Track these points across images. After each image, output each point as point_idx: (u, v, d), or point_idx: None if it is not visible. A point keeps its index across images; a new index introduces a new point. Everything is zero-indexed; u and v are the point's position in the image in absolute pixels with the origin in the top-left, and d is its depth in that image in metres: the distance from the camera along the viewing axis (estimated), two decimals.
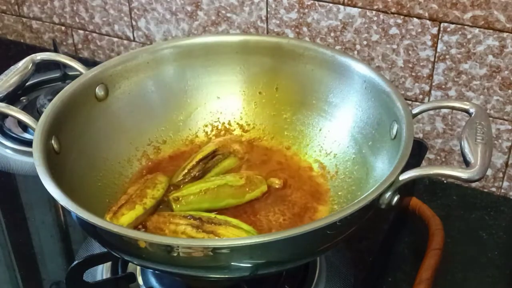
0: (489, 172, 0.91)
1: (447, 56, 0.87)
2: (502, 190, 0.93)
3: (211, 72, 0.78)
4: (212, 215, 0.65)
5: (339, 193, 0.71)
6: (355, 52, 0.93)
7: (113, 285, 0.72)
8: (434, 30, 0.87)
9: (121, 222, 0.64)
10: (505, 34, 0.83)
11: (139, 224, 0.66)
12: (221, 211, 0.69)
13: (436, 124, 0.92)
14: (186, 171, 0.72)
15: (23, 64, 0.75)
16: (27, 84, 0.76)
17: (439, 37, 0.87)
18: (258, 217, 0.69)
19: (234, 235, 0.62)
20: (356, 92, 0.72)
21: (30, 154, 0.62)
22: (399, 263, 0.81)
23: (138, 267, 0.72)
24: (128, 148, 0.75)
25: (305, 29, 0.95)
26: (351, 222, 0.56)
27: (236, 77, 0.79)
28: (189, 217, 0.64)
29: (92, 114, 0.71)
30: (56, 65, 1.05)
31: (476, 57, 0.86)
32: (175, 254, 0.53)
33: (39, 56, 0.76)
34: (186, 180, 0.72)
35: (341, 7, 0.91)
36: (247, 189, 0.70)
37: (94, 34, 1.16)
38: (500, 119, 0.88)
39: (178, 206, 0.68)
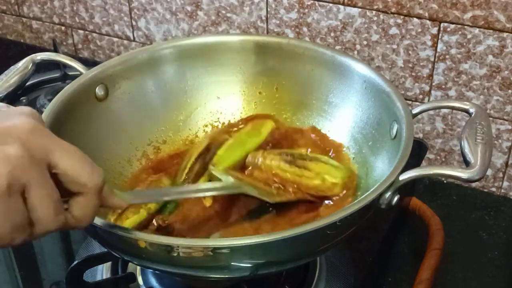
0: (489, 172, 0.92)
1: (447, 56, 0.87)
2: (502, 190, 0.93)
3: (211, 72, 0.78)
4: (304, 151, 0.72)
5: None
6: (355, 52, 0.93)
7: (113, 285, 0.72)
8: (434, 30, 0.87)
9: (125, 225, 0.64)
10: (505, 34, 0.83)
11: (142, 227, 0.66)
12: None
13: (436, 124, 0.92)
14: (187, 170, 0.72)
15: (23, 64, 0.75)
16: (27, 84, 0.76)
17: (439, 37, 0.87)
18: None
19: (325, 170, 0.67)
20: (356, 92, 0.72)
21: None
22: (399, 263, 0.81)
23: (138, 267, 0.72)
24: (128, 148, 0.75)
25: (305, 29, 0.95)
26: (351, 222, 0.56)
27: (236, 77, 0.79)
28: (282, 153, 0.69)
29: (92, 114, 0.71)
30: (56, 65, 1.05)
31: (476, 57, 0.86)
32: (175, 254, 0.53)
33: (39, 56, 0.76)
34: (190, 178, 0.72)
35: (341, 7, 0.91)
36: (257, 128, 0.75)
37: (94, 34, 1.16)
38: (500, 119, 0.88)
39: (219, 167, 0.70)
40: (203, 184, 0.69)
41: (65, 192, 0.47)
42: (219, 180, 0.68)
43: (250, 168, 0.71)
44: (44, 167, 0.45)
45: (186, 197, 0.68)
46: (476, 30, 0.84)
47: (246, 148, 0.73)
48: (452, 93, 0.90)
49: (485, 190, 0.93)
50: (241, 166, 0.72)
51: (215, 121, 0.80)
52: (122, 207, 0.57)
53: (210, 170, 0.70)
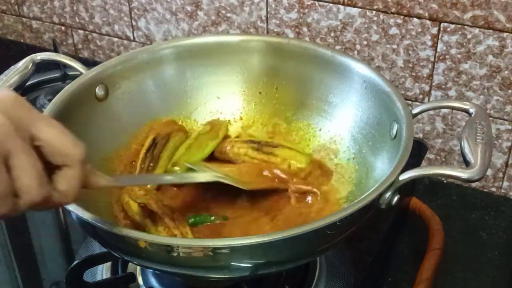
0: (489, 172, 0.92)
1: (447, 56, 0.87)
2: (502, 190, 0.93)
3: (211, 72, 0.78)
4: (269, 139, 0.75)
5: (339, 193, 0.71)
6: (355, 52, 0.93)
7: (113, 285, 0.72)
8: (434, 30, 0.87)
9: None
10: (505, 34, 0.83)
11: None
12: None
13: (436, 124, 0.92)
14: (139, 168, 0.72)
15: (23, 64, 0.75)
16: (27, 84, 0.76)
17: (439, 37, 0.87)
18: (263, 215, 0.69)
19: (289, 156, 0.72)
20: (356, 92, 0.72)
21: None
22: (399, 263, 0.81)
23: (138, 267, 0.72)
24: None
25: (305, 29, 0.95)
26: (351, 222, 0.56)
27: (236, 77, 0.79)
28: (249, 141, 0.74)
29: (92, 114, 0.71)
30: (56, 65, 1.05)
31: (476, 57, 0.86)
32: (175, 254, 0.53)
33: (39, 56, 0.76)
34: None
35: (341, 7, 0.91)
36: (216, 130, 0.77)
37: (94, 34, 1.16)
38: (500, 119, 0.88)
39: (179, 168, 0.72)
40: (183, 174, 0.71)
41: (47, 168, 0.45)
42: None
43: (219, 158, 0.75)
44: (27, 137, 0.44)
45: (166, 183, 0.71)
46: (476, 30, 0.84)
47: (205, 152, 0.75)
48: (452, 93, 0.90)
49: (485, 190, 0.93)
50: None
51: None
52: (104, 187, 0.54)
53: (173, 165, 0.73)
